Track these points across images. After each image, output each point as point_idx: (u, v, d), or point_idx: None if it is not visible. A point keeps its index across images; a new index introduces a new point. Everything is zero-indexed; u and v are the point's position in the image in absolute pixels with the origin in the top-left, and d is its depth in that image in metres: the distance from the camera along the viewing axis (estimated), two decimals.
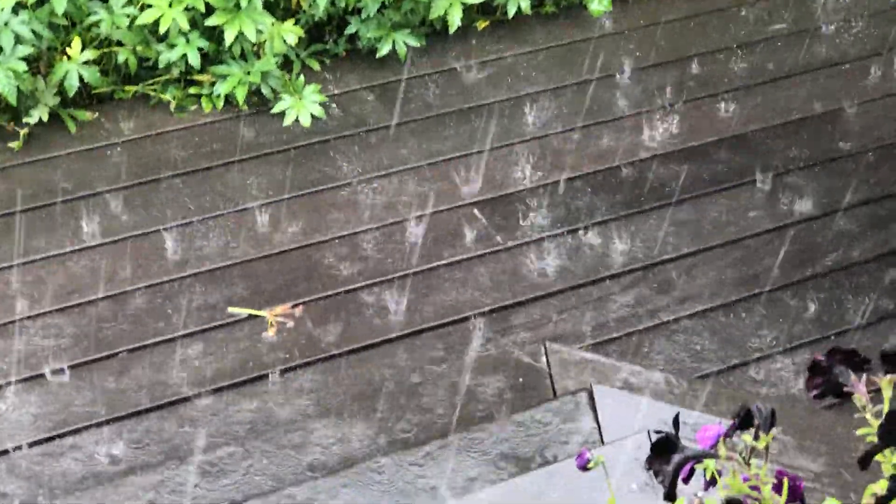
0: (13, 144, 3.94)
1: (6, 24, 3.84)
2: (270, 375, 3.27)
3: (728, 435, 1.65)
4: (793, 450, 2.77)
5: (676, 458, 1.53)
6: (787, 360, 3.37)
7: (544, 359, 3.25)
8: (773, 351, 3.39)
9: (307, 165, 3.96)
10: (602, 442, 2.69)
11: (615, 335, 3.41)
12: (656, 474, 1.54)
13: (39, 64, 4.02)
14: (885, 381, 1.61)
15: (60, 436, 3.10)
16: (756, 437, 1.56)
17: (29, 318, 3.42)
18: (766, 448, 1.55)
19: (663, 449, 1.54)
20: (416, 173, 3.95)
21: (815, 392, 1.65)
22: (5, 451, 3.05)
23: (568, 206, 3.84)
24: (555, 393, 3.09)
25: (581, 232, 3.75)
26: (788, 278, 3.63)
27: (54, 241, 3.65)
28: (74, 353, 3.32)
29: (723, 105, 4.27)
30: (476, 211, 3.82)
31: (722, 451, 1.54)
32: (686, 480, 1.78)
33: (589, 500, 2.46)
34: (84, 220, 3.71)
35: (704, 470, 1.80)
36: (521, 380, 3.22)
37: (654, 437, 1.57)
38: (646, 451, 2.56)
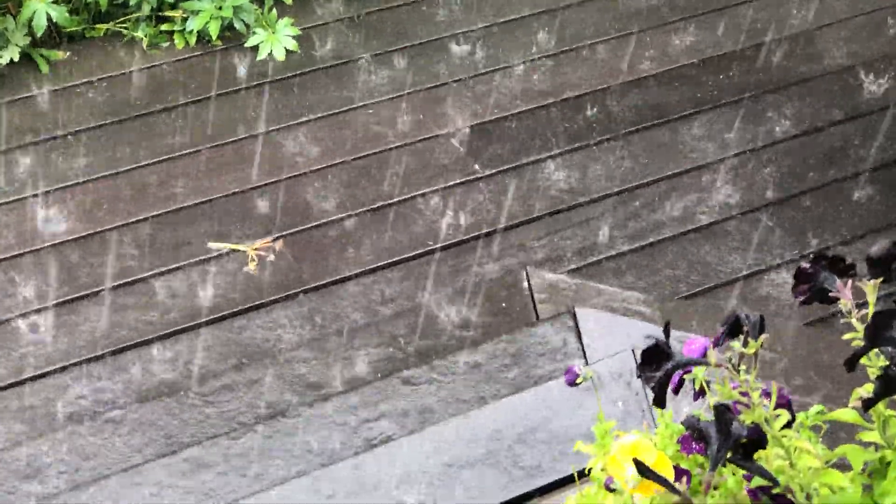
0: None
1: None
2: (253, 309, 3.27)
3: (717, 344, 1.66)
4: (778, 367, 2.79)
5: (667, 364, 1.54)
6: (770, 280, 3.38)
7: (526, 283, 3.26)
8: (756, 270, 3.41)
9: (282, 99, 3.94)
10: (587, 363, 2.70)
11: (597, 258, 3.42)
12: (646, 381, 1.55)
13: (9, 4, 3.98)
14: (870, 286, 1.62)
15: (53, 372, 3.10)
16: (745, 344, 1.57)
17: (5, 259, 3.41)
18: (755, 354, 1.55)
19: (653, 357, 1.55)
20: (391, 104, 3.94)
21: (801, 298, 1.66)
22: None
23: (547, 131, 3.84)
24: (537, 317, 3.10)
25: (560, 157, 3.75)
26: (768, 199, 3.64)
27: (30, 182, 3.63)
28: (56, 292, 3.31)
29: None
30: (454, 141, 3.81)
31: (712, 358, 1.55)
32: (676, 391, 1.80)
33: (574, 418, 2.47)
34: (60, 160, 3.69)
35: (693, 381, 1.82)
36: (503, 305, 3.23)
37: (644, 347, 1.57)
38: (630, 369, 2.59)
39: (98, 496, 2.58)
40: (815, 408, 1.78)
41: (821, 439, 1.79)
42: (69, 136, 3.79)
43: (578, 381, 1.81)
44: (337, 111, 3.91)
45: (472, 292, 3.30)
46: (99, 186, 3.64)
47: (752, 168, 3.74)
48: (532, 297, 3.19)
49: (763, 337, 1.56)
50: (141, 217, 3.54)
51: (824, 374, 2.79)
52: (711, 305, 3.26)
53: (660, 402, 1.58)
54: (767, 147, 3.82)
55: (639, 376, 1.56)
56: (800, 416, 1.77)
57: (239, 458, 2.64)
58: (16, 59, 3.94)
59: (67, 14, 3.97)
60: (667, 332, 1.59)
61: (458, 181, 3.67)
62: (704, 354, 1.60)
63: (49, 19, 3.94)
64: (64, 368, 3.11)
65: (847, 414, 1.65)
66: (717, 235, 3.52)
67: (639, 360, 1.58)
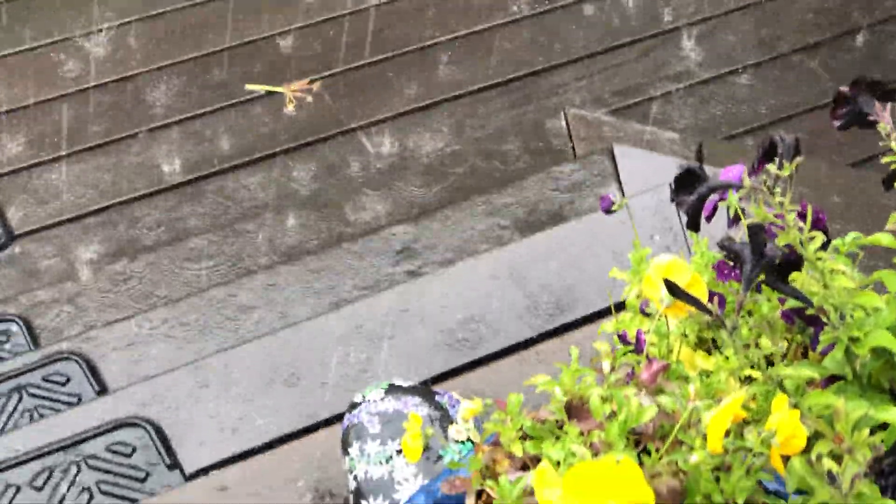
0: None
1: None
2: (292, 150, 3.27)
3: (753, 170, 1.65)
4: (816, 200, 2.77)
5: (701, 188, 1.53)
6: (808, 122, 3.35)
7: (564, 123, 3.24)
8: (794, 112, 3.37)
9: None
10: (623, 197, 2.69)
11: (636, 100, 3.39)
12: (680, 205, 1.54)
13: None
14: None
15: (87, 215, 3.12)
16: (780, 167, 1.56)
17: (44, 102, 3.42)
18: (791, 177, 1.54)
19: (687, 180, 1.54)
20: None
21: (839, 123, 1.64)
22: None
23: None
24: (575, 155, 3.09)
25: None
26: (808, 40, 3.58)
27: (67, 24, 3.63)
28: (97, 132, 3.32)
29: None
30: None
31: (746, 180, 1.54)
32: (709, 218, 1.79)
33: (611, 248, 2.47)
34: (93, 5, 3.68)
35: (728, 208, 1.81)
36: (541, 144, 3.22)
37: (678, 171, 1.56)
38: (666, 202, 2.58)
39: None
40: (852, 234, 1.77)
41: (856, 268, 1.78)
42: None
43: (614, 208, 1.80)
44: None
45: (511, 132, 3.28)
46: (133, 29, 3.63)
47: (798, 8, 3.68)
48: (570, 136, 3.17)
49: (799, 159, 1.55)
50: (178, 60, 3.53)
51: (865, 212, 2.77)
52: (752, 146, 3.24)
53: (694, 225, 1.58)
54: None
55: (672, 200, 1.56)
56: (836, 243, 1.76)
57: (272, 290, 2.67)
58: None
59: None
60: (699, 157, 1.58)
61: (497, 21, 3.63)
62: (739, 177, 1.59)
63: None
64: (105, 209, 3.13)
65: (884, 238, 1.65)
66: (761, 77, 3.47)
67: (673, 185, 1.57)
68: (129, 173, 3.22)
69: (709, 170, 1.61)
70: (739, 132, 3.29)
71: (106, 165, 3.25)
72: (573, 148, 3.13)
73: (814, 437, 1.39)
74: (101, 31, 3.63)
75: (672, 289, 1.43)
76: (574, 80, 3.46)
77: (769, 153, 1.61)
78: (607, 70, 3.49)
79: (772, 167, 1.56)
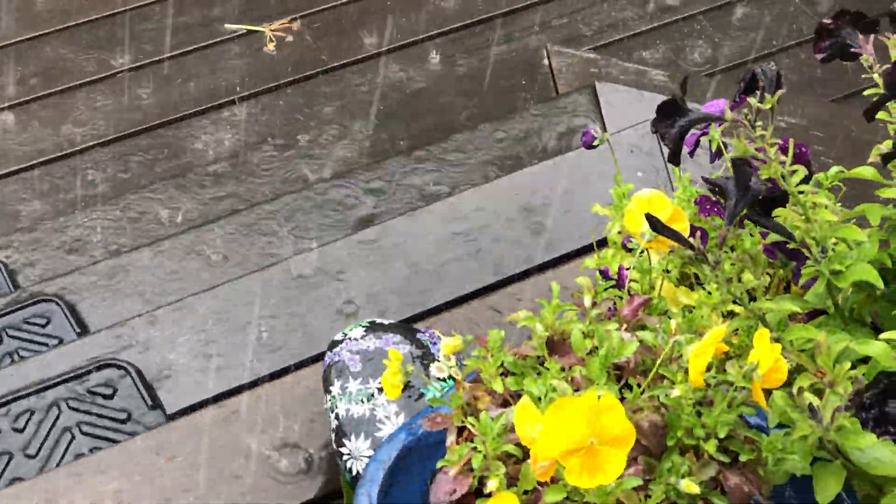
0: None
1: None
2: (275, 89, 3.25)
3: (734, 103, 1.64)
4: (799, 136, 2.76)
5: (682, 120, 1.51)
6: (793, 58, 3.33)
7: (546, 61, 3.22)
8: (778, 47, 3.35)
9: None
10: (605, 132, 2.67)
11: (619, 36, 3.37)
12: (662, 137, 1.53)
13: None
14: (893, 40, 1.58)
15: (67, 156, 3.10)
16: (761, 100, 1.54)
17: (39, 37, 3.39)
18: (772, 110, 1.53)
19: (669, 111, 1.53)
20: None
21: (821, 56, 1.63)
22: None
23: None
24: (557, 92, 3.07)
25: None
26: None
27: None
28: (78, 74, 3.29)
29: None
30: None
31: (728, 113, 1.53)
32: (691, 153, 1.78)
33: (592, 189, 2.46)
34: None
35: (710, 142, 1.80)
36: (523, 81, 3.20)
37: (660, 103, 1.55)
38: (649, 139, 2.57)
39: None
40: (835, 168, 1.76)
41: (839, 202, 1.77)
42: None
43: (595, 143, 1.79)
44: None
45: (491, 70, 3.27)
46: None
47: None
48: (552, 73, 3.15)
49: (780, 91, 1.54)
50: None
51: (847, 146, 2.76)
52: (737, 81, 3.22)
53: (675, 158, 1.57)
54: None
55: (653, 132, 1.54)
56: (818, 177, 1.75)
57: (251, 231, 2.66)
58: None
59: None
60: (683, 88, 1.56)
61: None
62: (721, 112, 1.58)
63: None
64: (89, 148, 3.11)
65: (866, 171, 1.64)
66: (746, 11, 3.45)
67: (654, 116, 1.56)
68: (108, 116, 3.20)
69: (692, 105, 1.60)
70: (723, 68, 3.28)
71: (88, 105, 3.22)
72: (555, 85, 3.11)
73: (795, 371, 1.39)
74: None
75: (654, 223, 1.42)
76: (556, 16, 3.44)
77: (751, 86, 1.59)
78: (590, 7, 3.46)
79: (753, 100, 1.55)
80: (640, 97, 2.82)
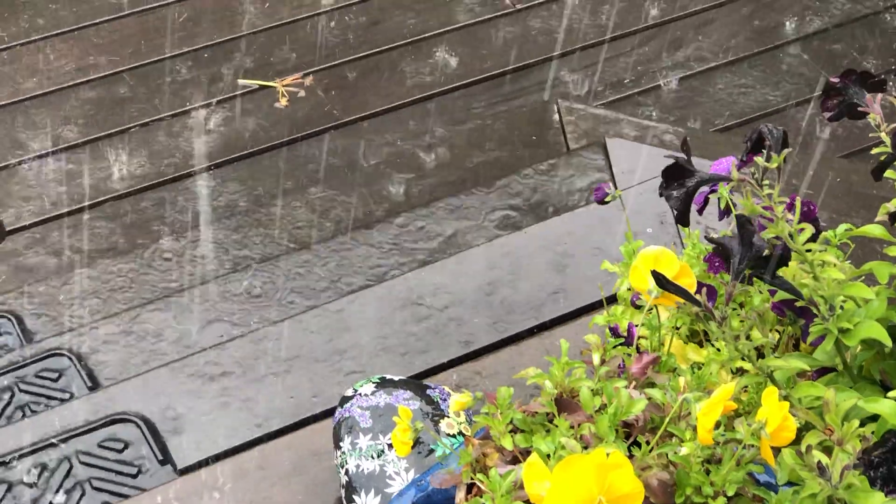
0: None
1: None
2: (286, 144, 3.27)
3: (741, 162, 1.65)
4: (808, 197, 2.77)
5: (689, 181, 1.53)
6: (801, 114, 3.35)
7: (557, 116, 3.24)
8: (786, 104, 3.37)
9: None
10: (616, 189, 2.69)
11: (630, 92, 3.39)
12: (668, 199, 1.54)
13: None
14: None
15: (78, 210, 3.12)
16: (768, 159, 1.56)
17: (31, 97, 3.41)
18: (779, 169, 1.54)
19: (675, 174, 1.54)
20: None
21: (829, 114, 1.64)
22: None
23: None
24: (568, 147, 3.09)
25: None
26: (802, 31, 3.58)
27: (65, 18, 3.62)
28: (87, 129, 3.31)
29: None
30: None
31: (734, 173, 1.54)
32: (700, 211, 1.79)
33: (604, 242, 2.47)
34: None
35: (719, 199, 1.81)
36: (534, 137, 3.22)
37: (666, 165, 1.56)
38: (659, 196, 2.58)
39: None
40: (843, 226, 1.77)
41: (847, 259, 1.78)
42: None
43: (607, 199, 1.80)
44: None
45: (503, 124, 3.28)
46: (127, 23, 3.62)
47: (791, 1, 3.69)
48: (563, 128, 3.17)
49: (786, 150, 1.55)
50: (172, 53, 3.53)
51: (856, 202, 2.77)
52: (744, 139, 3.23)
53: (683, 219, 1.58)
54: None
55: (661, 195, 1.55)
56: (827, 234, 1.76)
57: (269, 282, 2.67)
58: None
59: None
60: (686, 149, 1.58)
61: (490, 15, 3.63)
62: (728, 172, 1.59)
63: None
64: (99, 204, 3.13)
65: (874, 229, 1.64)
66: (755, 68, 3.47)
67: (661, 180, 1.57)
68: (123, 168, 3.22)
69: (701, 162, 1.61)
70: (733, 123, 3.29)
71: (101, 161, 3.24)
72: (566, 140, 3.13)
73: (804, 429, 1.40)
74: (96, 25, 3.62)
75: (659, 280, 1.43)
76: (567, 72, 3.46)
77: (758, 145, 1.60)
78: (599, 63, 3.49)
79: (760, 159, 1.56)
80: (650, 153, 2.84)
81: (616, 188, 1.82)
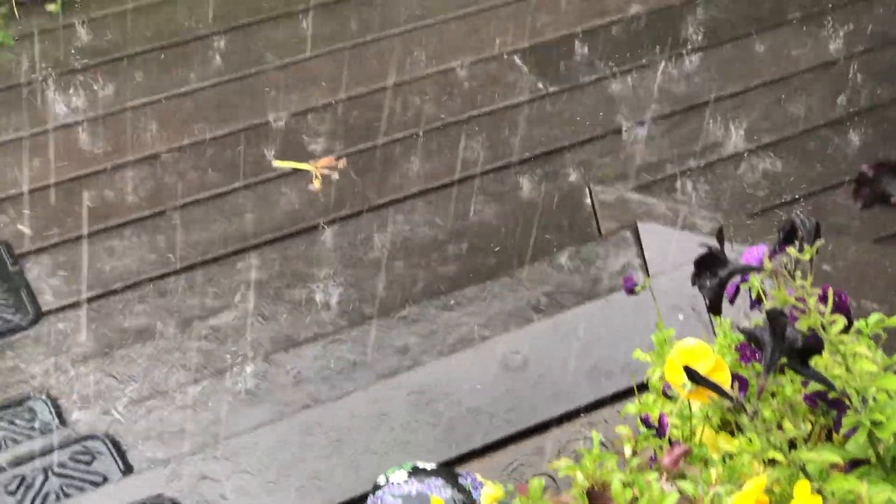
0: (51, 7, 3.94)
1: None
2: (319, 227, 3.29)
3: (773, 252, 1.66)
4: (839, 278, 2.77)
5: (721, 271, 1.53)
6: (833, 198, 3.35)
7: (589, 200, 3.25)
8: (819, 188, 3.37)
9: (349, 15, 3.93)
10: (647, 276, 2.70)
11: (662, 175, 3.40)
12: (701, 289, 1.55)
13: None
14: None
15: (114, 292, 3.14)
16: (800, 250, 1.56)
17: (78, 178, 3.45)
18: (811, 260, 1.55)
19: (708, 264, 1.55)
20: (459, 21, 3.92)
21: (861, 202, 1.65)
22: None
23: (608, 50, 3.81)
24: (600, 232, 3.10)
25: (622, 75, 3.72)
26: (840, 114, 3.59)
27: (105, 99, 3.66)
28: (126, 211, 3.34)
29: None
30: (517, 59, 3.79)
31: (767, 264, 1.54)
32: (732, 300, 1.79)
33: (635, 330, 2.47)
34: (130, 79, 3.72)
35: (750, 289, 1.82)
36: (565, 220, 3.23)
37: (699, 255, 1.57)
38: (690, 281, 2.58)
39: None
40: (875, 315, 1.77)
41: (880, 348, 1.78)
42: (124, 59, 3.81)
43: (637, 289, 1.81)
44: (405, 29, 3.91)
45: (534, 208, 3.30)
46: (160, 108, 3.67)
47: (822, 84, 3.69)
48: (595, 212, 3.18)
49: (819, 242, 1.56)
50: (206, 136, 3.57)
51: (889, 287, 2.76)
52: (778, 222, 3.23)
53: (715, 308, 1.58)
54: (838, 62, 3.77)
55: (693, 284, 1.56)
56: (859, 324, 1.76)
57: (294, 370, 2.68)
58: None
59: None
60: (720, 239, 1.59)
61: (522, 99, 3.66)
62: (760, 260, 1.60)
63: None
64: (136, 285, 3.15)
65: None
66: (787, 152, 3.48)
67: (694, 269, 1.57)
68: (156, 251, 3.24)
69: (732, 249, 1.61)
70: (766, 207, 3.29)
71: (134, 242, 3.27)
72: (598, 224, 3.14)
73: None
74: (125, 110, 3.67)
75: (693, 376, 1.43)
76: (598, 155, 3.48)
77: (790, 235, 1.61)
78: (632, 145, 3.50)
79: (792, 250, 1.57)
80: (682, 238, 2.84)
81: (647, 274, 1.83)
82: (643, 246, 2.83)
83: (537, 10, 3.96)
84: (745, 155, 3.47)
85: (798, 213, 1.58)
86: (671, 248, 2.83)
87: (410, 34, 3.90)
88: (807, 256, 1.53)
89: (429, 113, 3.62)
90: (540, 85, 3.71)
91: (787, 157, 3.47)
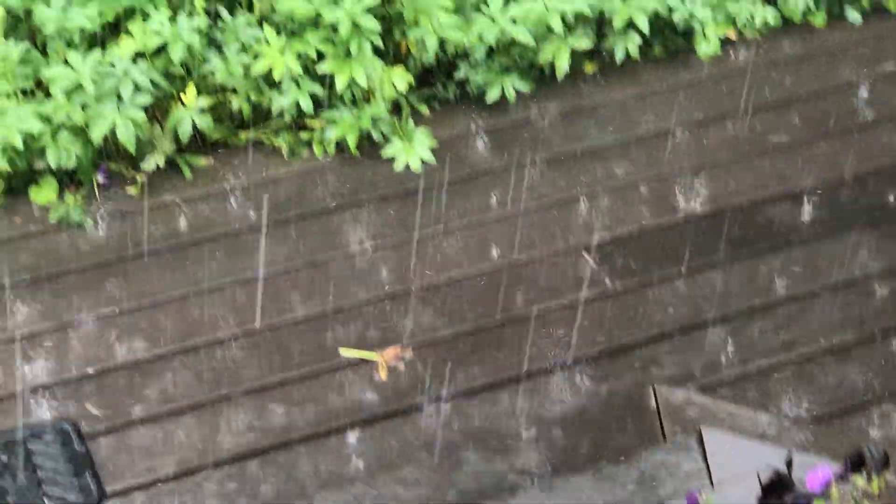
0: (132, 190, 4.03)
1: (126, 72, 3.94)
2: (382, 418, 3.31)
3: (840, 478, 1.65)
4: None
5: (788, 497, 1.53)
6: None
7: (653, 401, 3.25)
8: (884, 395, 3.34)
9: (417, 209, 3.99)
10: (711, 484, 2.68)
11: (725, 377, 3.39)
12: None
13: (156, 111, 4.12)
14: None
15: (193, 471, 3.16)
16: (868, 480, 1.56)
17: (146, 360, 3.49)
18: (879, 492, 1.54)
19: (775, 488, 1.55)
20: (527, 217, 3.97)
21: None
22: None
23: (679, 248, 3.84)
24: (664, 436, 3.08)
25: (691, 274, 3.74)
26: None
27: (173, 284, 3.72)
28: (192, 395, 3.38)
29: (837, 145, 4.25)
30: (586, 254, 3.83)
31: (834, 493, 1.54)
32: None
33: None
34: (200, 265, 3.78)
35: None
36: (629, 422, 3.22)
37: (765, 478, 1.57)
38: (754, 493, 2.56)
39: None
40: None
41: None
42: (209, 242, 3.88)
43: None
44: (473, 222, 3.96)
45: (598, 407, 3.29)
46: (236, 292, 3.72)
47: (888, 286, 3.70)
48: (659, 415, 3.17)
49: (887, 474, 1.55)
50: (274, 322, 3.61)
51: None
52: (844, 429, 3.20)
53: None
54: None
55: None
56: None
57: None
58: (161, 165, 4.07)
59: (212, 122, 4.08)
60: (789, 465, 1.59)
61: (586, 295, 3.68)
62: (826, 486, 1.59)
63: (194, 127, 4.06)
64: (201, 468, 3.17)
65: None
66: (856, 356, 3.46)
67: (760, 492, 1.57)
68: (224, 436, 3.27)
69: (802, 460, 1.61)
70: (832, 411, 3.26)
71: (199, 427, 3.29)
72: (662, 427, 3.13)
73: None
74: (185, 298, 3.72)
75: None
76: (664, 354, 3.48)
77: (857, 464, 1.61)
78: (698, 346, 3.50)
79: (860, 479, 1.56)
80: (746, 446, 2.82)
81: (712, 484, 1.82)
82: (707, 453, 2.81)
83: (607, 204, 4.01)
84: (814, 358, 3.45)
85: (868, 444, 1.58)
86: (735, 456, 2.80)
87: (474, 229, 3.94)
88: (875, 490, 1.52)
89: (496, 305, 3.65)
90: (608, 281, 3.73)
91: (857, 361, 3.44)
